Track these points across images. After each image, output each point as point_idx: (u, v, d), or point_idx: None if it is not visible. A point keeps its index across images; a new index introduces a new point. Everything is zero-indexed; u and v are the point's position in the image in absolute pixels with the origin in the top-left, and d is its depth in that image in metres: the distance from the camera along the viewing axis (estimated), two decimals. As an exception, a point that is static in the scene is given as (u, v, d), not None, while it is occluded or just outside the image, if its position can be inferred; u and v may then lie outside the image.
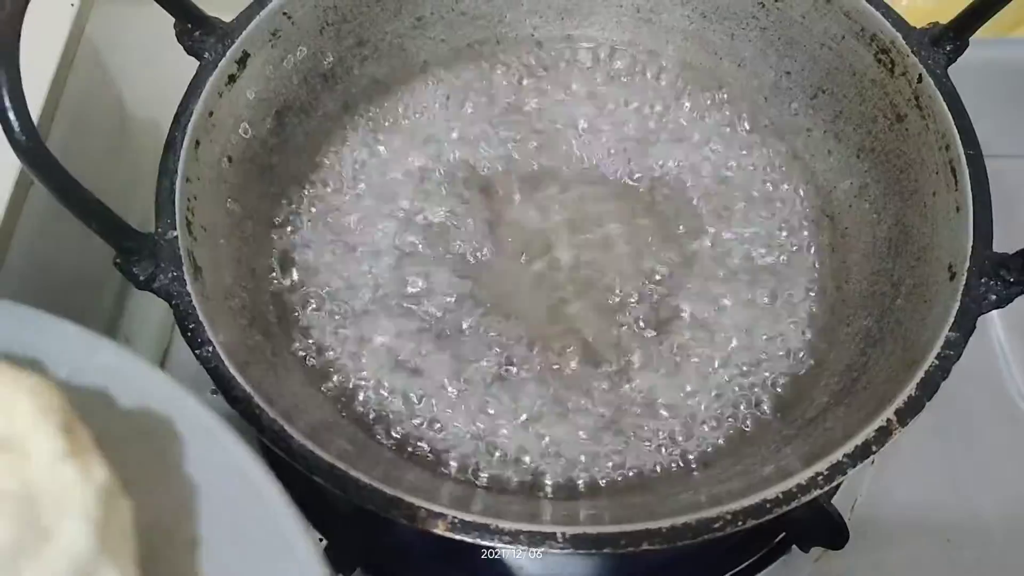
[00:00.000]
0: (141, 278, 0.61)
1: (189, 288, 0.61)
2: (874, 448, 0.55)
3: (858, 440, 0.55)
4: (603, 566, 0.79)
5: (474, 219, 0.79)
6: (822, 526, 0.68)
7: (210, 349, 0.59)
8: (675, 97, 0.85)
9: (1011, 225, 0.68)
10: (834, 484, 0.54)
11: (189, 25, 0.71)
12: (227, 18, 0.73)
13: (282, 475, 0.48)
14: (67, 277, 0.85)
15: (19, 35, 0.50)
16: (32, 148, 0.51)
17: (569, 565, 0.78)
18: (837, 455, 0.55)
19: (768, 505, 0.53)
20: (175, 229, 0.63)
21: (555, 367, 0.71)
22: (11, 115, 0.49)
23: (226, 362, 0.59)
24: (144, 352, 0.96)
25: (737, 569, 0.75)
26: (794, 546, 0.75)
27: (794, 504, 0.54)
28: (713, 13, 0.83)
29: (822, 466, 0.55)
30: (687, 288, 0.76)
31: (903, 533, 0.77)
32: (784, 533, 0.77)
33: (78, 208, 0.56)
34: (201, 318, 0.60)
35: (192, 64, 0.71)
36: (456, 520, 0.53)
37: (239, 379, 0.58)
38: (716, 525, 0.53)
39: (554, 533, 0.52)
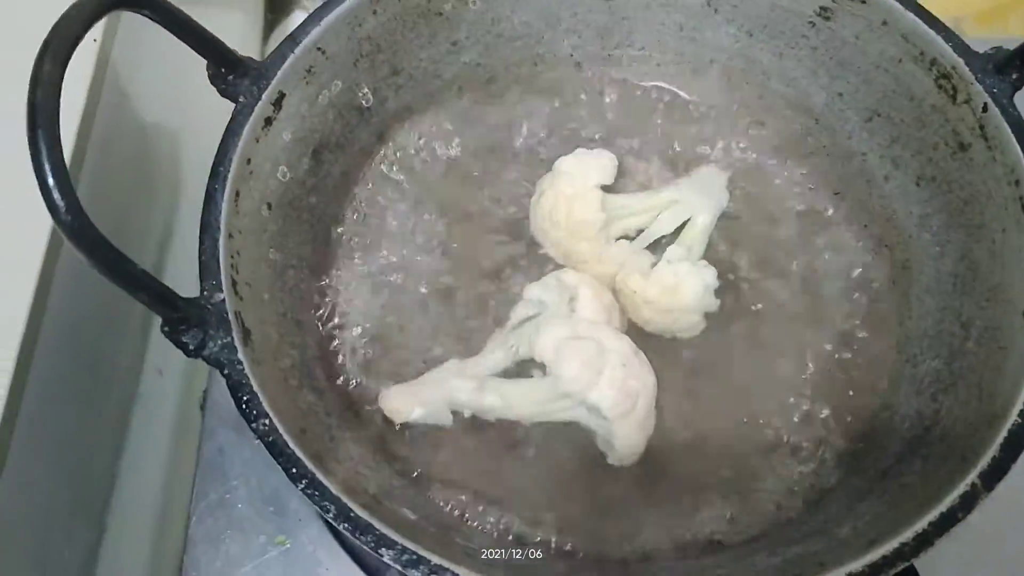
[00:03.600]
0: (191, 347, 0.59)
1: (240, 355, 0.59)
2: (960, 515, 0.54)
3: (943, 507, 0.54)
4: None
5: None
6: (895, 576, 0.67)
7: (267, 422, 0.57)
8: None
9: None
10: (920, 555, 0.53)
11: (223, 69, 0.68)
12: (252, 53, 0.70)
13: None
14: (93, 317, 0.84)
15: (59, 105, 0.48)
16: (79, 228, 0.49)
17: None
18: (922, 523, 0.53)
19: (853, 580, 0.52)
20: (221, 291, 0.61)
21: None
22: (56, 195, 0.47)
23: (284, 435, 0.57)
24: (179, 392, 0.95)
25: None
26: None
27: (880, 578, 0.52)
28: (760, 31, 0.80)
29: (907, 535, 0.53)
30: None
31: (967, 570, 0.76)
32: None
33: (126, 282, 0.54)
34: (255, 388, 0.58)
35: (221, 100, 0.69)
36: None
37: (299, 453, 0.56)
38: (802, 603, 0.51)
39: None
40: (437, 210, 0.80)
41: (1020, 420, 0.56)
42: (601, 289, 0.74)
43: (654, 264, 0.74)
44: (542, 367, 0.68)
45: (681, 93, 0.86)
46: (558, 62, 0.85)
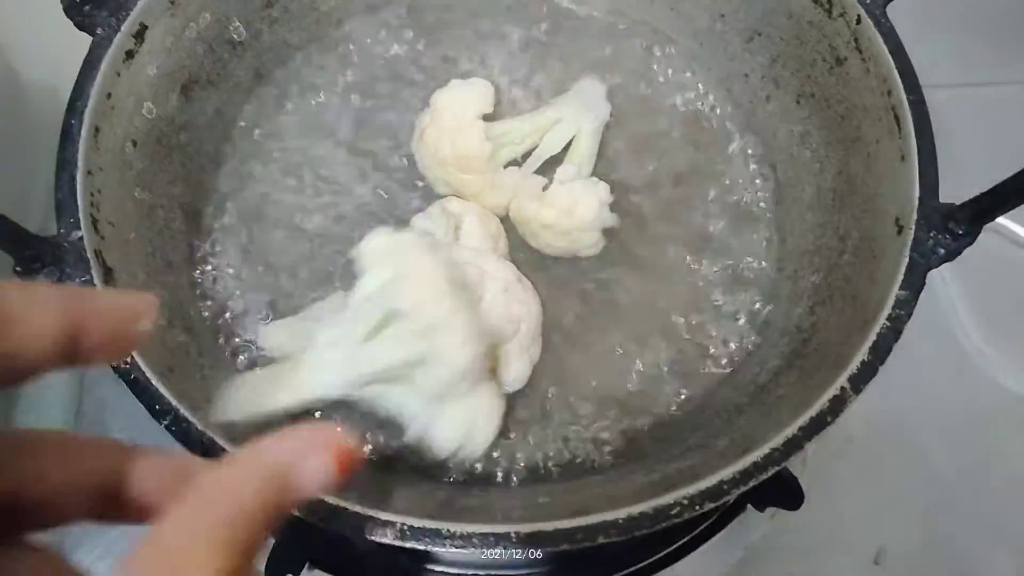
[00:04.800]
0: (45, 287, 0.56)
1: (100, 294, 0.57)
2: (829, 419, 0.54)
3: (812, 411, 0.54)
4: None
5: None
6: (778, 489, 0.68)
7: (128, 361, 0.55)
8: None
9: (950, 159, 0.66)
10: (790, 459, 0.53)
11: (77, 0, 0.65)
12: (117, -13, 0.67)
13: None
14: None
15: None
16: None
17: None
18: (792, 428, 0.54)
19: (725, 487, 0.52)
20: (79, 229, 0.59)
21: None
22: None
23: (147, 372, 0.55)
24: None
25: (695, 532, 0.74)
26: (749, 506, 0.74)
27: (751, 484, 0.52)
28: (641, -46, 0.79)
29: (777, 441, 0.53)
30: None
31: (855, 483, 0.77)
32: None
33: (-35, 218, 0.51)
34: (116, 326, 0.56)
35: (85, 39, 0.65)
36: (406, 528, 0.51)
37: (162, 391, 0.54)
38: (674, 512, 0.51)
39: (508, 534, 0.50)
40: (319, 147, 0.77)
41: (888, 324, 0.56)
42: (488, 217, 0.73)
43: (546, 187, 0.73)
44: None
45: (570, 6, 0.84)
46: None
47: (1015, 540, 0.82)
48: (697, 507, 0.51)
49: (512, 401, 0.66)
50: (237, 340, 0.69)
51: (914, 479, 0.80)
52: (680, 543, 0.74)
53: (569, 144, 0.75)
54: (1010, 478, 0.83)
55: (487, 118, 0.74)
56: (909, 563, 0.76)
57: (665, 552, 0.73)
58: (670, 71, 0.81)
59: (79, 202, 0.59)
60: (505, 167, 0.75)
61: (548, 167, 0.74)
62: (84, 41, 0.65)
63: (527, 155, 0.76)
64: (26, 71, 0.91)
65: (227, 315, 0.70)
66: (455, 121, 0.73)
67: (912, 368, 0.79)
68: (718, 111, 0.79)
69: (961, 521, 0.79)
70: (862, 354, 0.55)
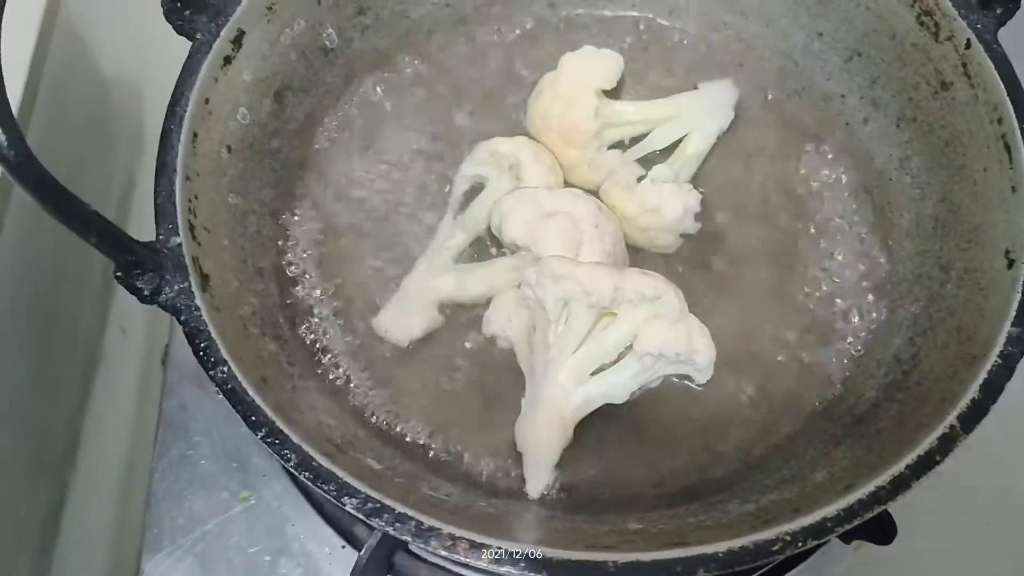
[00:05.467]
0: (146, 292, 0.56)
1: (198, 301, 0.57)
2: (938, 458, 0.52)
3: (920, 450, 0.52)
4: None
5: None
6: (870, 522, 0.66)
7: (225, 370, 0.55)
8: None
9: None
10: (896, 498, 0.51)
11: (178, 4, 0.65)
12: (217, -6, 0.67)
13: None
14: (49, 268, 0.81)
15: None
16: (23, 164, 0.46)
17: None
18: (899, 466, 0.52)
19: (829, 524, 0.51)
20: (178, 235, 0.59)
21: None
22: (-4, 129, 0.45)
23: (243, 383, 0.55)
24: (141, 349, 0.92)
25: (775, 561, 0.73)
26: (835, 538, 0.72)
27: (856, 522, 0.51)
28: (738, -31, 0.77)
29: (884, 479, 0.52)
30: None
31: (943, 518, 0.75)
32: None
33: (75, 223, 0.51)
34: (213, 335, 0.56)
35: (180, 41, 0.66)
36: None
37: (258, 402, 0.54)
38: (776, 548, 0.50)
39: (605, 563, 0.49)
40: (407, 151, 0.77)
41: (1000, 361, 0.54)
42: (539, 148, 0.73)
43: (641, 178, 0.72)
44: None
45: (662, 22, 0.83)
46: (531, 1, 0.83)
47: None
48: (800, 543, 0.50)
49: (597, 420, 0.66)
50: (323, 349, 0.68)
51: (1003, 514, 0.77)
52: (759, 574, 0.72)
53: (678, 143, 0.74)
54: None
55: (609, 94, 0.74)
56: (998, 602, 0.74)
57: (745, 582, 0.72)
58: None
59: (178, 207, 0.60)
60: (609, 148, 0.75)
61: (655, 160, 0.74)
62: (168, 42, 0.66)
63: (637, 140, 0.75)
64: (111, 70, 0.93)
65: (315, 321, 0.69)
66: (572, 90, 0.73)
67: (1003, 397, 0.77)
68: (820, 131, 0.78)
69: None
70: (972, 392, 0.54)
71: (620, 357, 0.64)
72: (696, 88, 0.77)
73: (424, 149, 0.78)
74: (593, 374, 0.64)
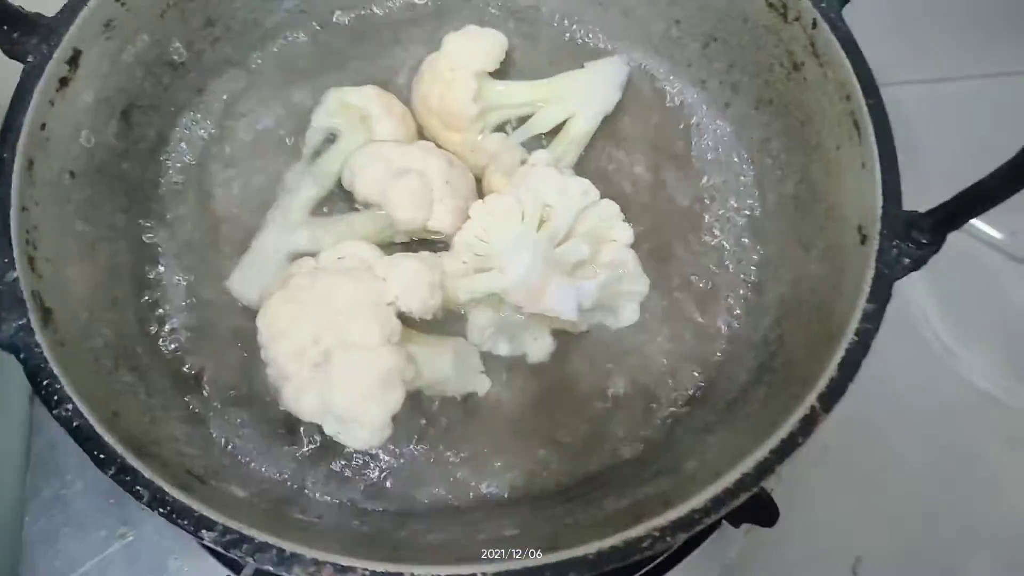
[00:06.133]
0: (-21, 333, 0.54)
1: (38, 337, 0.54)
2: (800, 440, 0.52)
3: (782, 432, 0.53)
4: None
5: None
6: (752, 506, 0.66)
7: (69, 407, 0.52)
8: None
9: (914, 156, 0.64)
10: (762, 483, 0.51)
11: (5, 26, 0.62)
12: (50, 12, 0.64)
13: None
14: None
15: None
16: None
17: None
18: (763, 451, 0.52)
19: (696, 515, 0.51)
20: (15, 269, 0.56)
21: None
22: None
23: (90, 419, 0.52)
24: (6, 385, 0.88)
25: (670, 551, 0.73)
26: (724, 522, 0.72)
27: (723, 511, 0.51)
28: (593, -40, 0.77)
29: (748, 465, 0.52)
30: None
31: (829, 492, 0.76)
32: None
33: None
34: (56, 371, 0.53)
35: (14, 68, 0.62)
36: (367, 573, 0.49)
37: (106, 438, 0.52)
38: (645, 544, 0.49)
39: (473, 575, 0.48)
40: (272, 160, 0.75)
41: (856, 339, 0.55)
42: (389, 99, 0.74)
43: (523, 163, 0.71)
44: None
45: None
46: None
47: (991, 538, 0.81)
48: (668, 538, 0.50)
49: (477, 424, 0.65)
50: (188, 373, 0.66)
51: (888, 484, 0.79)
52: (656, 562, 0.72)
53: (563, 125, 0.74)
54: (984, 477, 0.82)
55: (494, 74, 0.74)
56: (887, 570, 0.75)
57: (641, 573, 0.71)
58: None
59: (13, 241, 0.57)
60: (494, 130, 0.74)
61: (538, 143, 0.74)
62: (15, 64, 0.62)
63: (523, 121, 0.75)
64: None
65: (175, 347, 0.67)
66: (451, 73, 0.72)
67: (882, 370, 0.78)
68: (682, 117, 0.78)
69: (937, 523, 0.78)
70: (830, 371, 0.54)
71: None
72: (583, 67, 0.76)
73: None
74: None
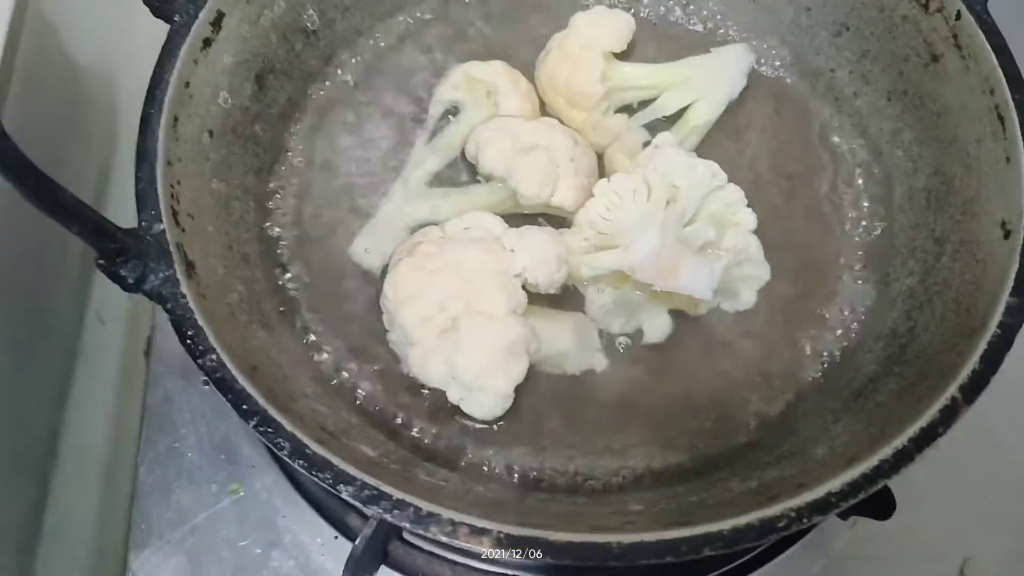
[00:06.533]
0: (130, 281, 0.55)
1: (184, 289, 0.55)
2: (940, 430, 0.52)
3: (923, 422, 0.52)
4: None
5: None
6: (869, 498, 0.66)
7: (214, 358, 0.53)
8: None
9: None
10: (900, 471, 0.51)
11: (153, -14, 0.63)
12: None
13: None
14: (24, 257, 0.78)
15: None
16: (2, 149, 0.45)
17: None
18: (902, 439, 0.52)
19: (833, 499, 0.50)
20: (161, 221, 0.57)
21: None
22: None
23: (233, 371, 0.53)
24: (123, 339, 0.90)
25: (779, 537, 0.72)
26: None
27: (860, 496, 0.50)
28: (721, -57, 0.77)
29: (887, 452, 0.51)
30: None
31: (940, 491, 0.75)
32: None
33: (56, 211, 0.49)
34: (200, 322, 0.54)
35: (153, 27, 0.64)
36: (502, 535, 0.49)
37: (249, 390, 0.53)
38: (781, 524, 0.49)
39: (609, 544, 0.48)
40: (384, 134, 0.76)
41: (999, 332, 0.54)
42: (516, 75, 0.74)
43: (646, 144, 0.71)
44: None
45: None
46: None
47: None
48: (805, 520, 0.49)
49: (592, 401, 0.65)
50: (313, 336, 0.67)
51: (1001, 487, 0.77)
52: (757, 552, 0.72)
53: (686, 109, 0.74)
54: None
55: (620, 55, 0.74)
56: (997, 572, 0.74)
57: (742, 561, 0.71)
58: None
59: (160, 193, 0.58)
60: (617, 111, 0.74)
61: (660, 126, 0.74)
62: (141, 28, 0.64)
63: (646, 104, 0.75)
64: (84, 58, 0.90)
65: (303, 309, 0.68)
66: (579, 52, 0.72)
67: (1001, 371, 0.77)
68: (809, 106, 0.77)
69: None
70: (972, 363, 0.53)
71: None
72: (709, 52, 0.76)
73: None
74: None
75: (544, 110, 0.76)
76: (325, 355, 0.66)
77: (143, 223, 0.57)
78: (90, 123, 0.93)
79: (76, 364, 0.86)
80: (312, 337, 0.67)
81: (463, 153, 0.73)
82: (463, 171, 0.73)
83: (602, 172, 0.73)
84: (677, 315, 0.68)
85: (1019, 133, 0.60)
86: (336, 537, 0.70)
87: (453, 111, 0.75)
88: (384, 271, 0.68)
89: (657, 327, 0.68)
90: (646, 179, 0.66)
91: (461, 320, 0.61)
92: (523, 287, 0.64)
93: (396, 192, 0.72)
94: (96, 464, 0.85)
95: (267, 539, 0.71)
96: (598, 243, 0.67)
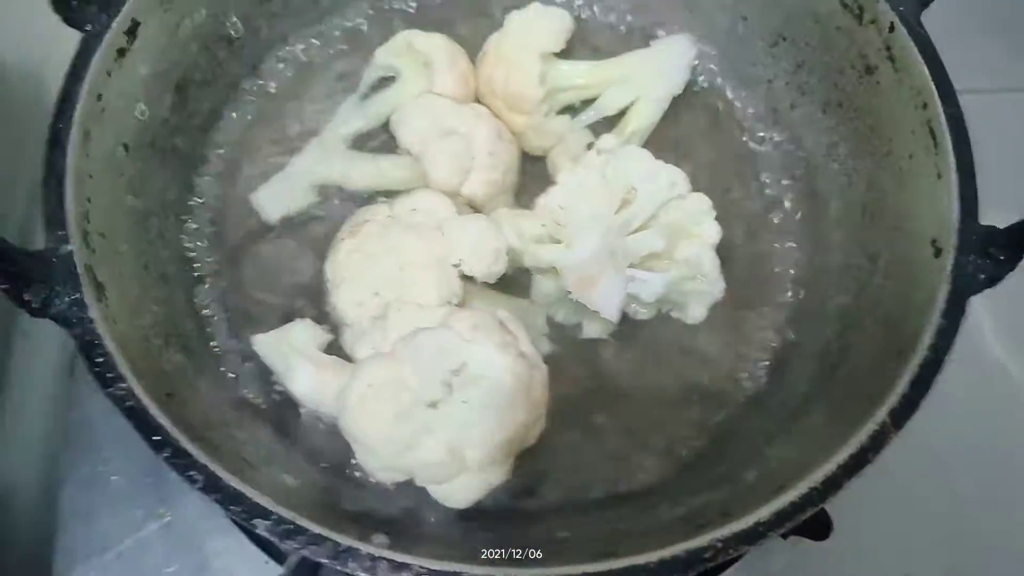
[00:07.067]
0: (34, 305, 0.53)
1: (92, 312, 0.53)
2: (870, 456, 0.51)
3: (852, 448, 0.51)
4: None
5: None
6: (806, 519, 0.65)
7: (123, 386, 0.51)
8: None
9: (981, 169, 0.62)
10: (828, 500, 0.50)
11: (64, -10, 0.61)
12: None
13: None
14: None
15: None
16: None
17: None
18: (831, 465, 0.51)
19: (761, 528, 0.49)
20: (68, 243, 0.55)
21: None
22: None
23: (144, 400, 0.51)
24: (50, 358, 0.87)
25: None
26: (770, 533, 0.71)
27: (788, 526, 0.49)
28: (660, -49, 0.75)
29: (816, 479, 0.50)
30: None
31: (881, 512, 0.74)
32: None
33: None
34: (110, 348, 0.52)
35: (72, 35, 0.61)
36: (423, 571, 0.47)
37: (161, 420, 0.51)
38: (707, 555, 0.48)
39: (530, 580, 0.47)
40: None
41: (929, 355, 0.53)
42: (456, 53, 0.73)
43: (590, 146, 0.70)
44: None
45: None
46: None
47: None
48: (732, 550, 0.48)
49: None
50: (234, 358, 0.65)
51: (939, 505, 0.77)
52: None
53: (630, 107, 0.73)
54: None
55: (560, 54, 0.72)
56: (935, 591, 0.74)
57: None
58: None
59: (69, 213, 0.55)
60: (559, 112, 0.73)
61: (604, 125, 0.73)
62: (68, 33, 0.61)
63: (589, 103, 0.73)
64: (8, 57, 0.87)
65: (224, 329, 0.66)
66: (516, 54, 0.71)
67: (937, 389, 0.77)
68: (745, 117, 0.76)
69: (987, 547, 0.76)
70: (903, 387, 0.53)
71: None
72: (649, 45, 0.75)
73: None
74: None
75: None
76: (246, 378, 0.64)
77: (50, 244, 0.54)
78: (22, 136, 0.89)
79: (2, 383, 0.83)
80: (233, 358, 0.65)
81: (389, 123, 0.71)
82: (388, 140, 0.72)
83: (545, 175, 0.72)
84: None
85: (951, 148, 0.59)
86: (267, 562, 0.68)
87: (390, 79, 0.73)
88: (280, 224, 0.70)
89: (598, 324, 0.66)
90: (606, 177, 0.64)
91: (390, 309, 0.60)
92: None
93: (311, 148, 0.71)
94: (20, 489, 0.82)
95: (195, 565, 0.69)
96: (552, 232, 0.65)
